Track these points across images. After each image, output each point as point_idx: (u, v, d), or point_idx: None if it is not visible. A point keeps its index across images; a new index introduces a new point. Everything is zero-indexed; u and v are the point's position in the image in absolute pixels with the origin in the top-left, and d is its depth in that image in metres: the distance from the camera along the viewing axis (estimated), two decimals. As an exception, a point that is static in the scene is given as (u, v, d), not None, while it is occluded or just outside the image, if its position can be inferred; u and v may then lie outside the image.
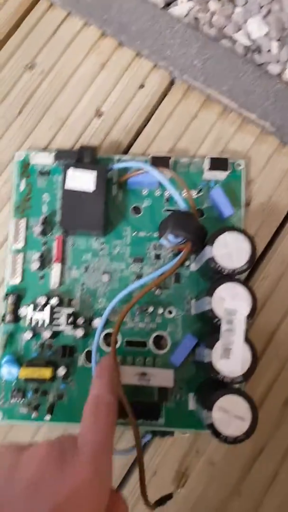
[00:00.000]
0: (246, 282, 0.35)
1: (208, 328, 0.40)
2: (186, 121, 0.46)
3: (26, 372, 0.39)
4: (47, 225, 0.43)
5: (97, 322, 0.40)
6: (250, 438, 0.33)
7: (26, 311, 0.41)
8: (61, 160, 0.42)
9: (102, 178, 0.41)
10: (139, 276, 0.42)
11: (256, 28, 0.50)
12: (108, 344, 0.40)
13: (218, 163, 0.42)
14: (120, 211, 0.43)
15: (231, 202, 0.41)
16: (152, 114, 0.46)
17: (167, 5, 0.51)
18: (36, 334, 0.41)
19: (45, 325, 0.40)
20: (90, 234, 0.42)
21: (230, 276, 0.35)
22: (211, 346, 0.34)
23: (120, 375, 0.37)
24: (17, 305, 0.41)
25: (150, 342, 0.41)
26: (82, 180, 0.41)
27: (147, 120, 0.46)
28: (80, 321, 0.41)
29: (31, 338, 0.40)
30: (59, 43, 0.48)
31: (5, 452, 0.26)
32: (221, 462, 0.40)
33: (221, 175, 0.43)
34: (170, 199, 0.43)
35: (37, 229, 0.42)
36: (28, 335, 0.40)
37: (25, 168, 0.44)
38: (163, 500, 0.36)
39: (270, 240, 0.43)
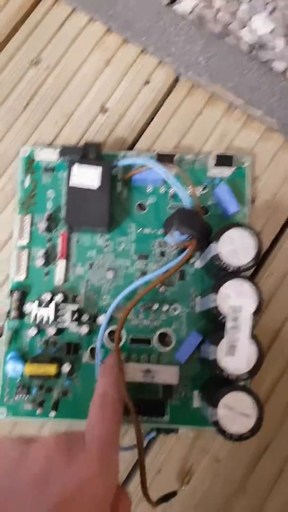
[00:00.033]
0: (251, 279, 0.35)
1: (212, 326, 0.40)
2: (191, 118, 0.46)
3: (31, 369, 0.39)
4: (52, 221, 0.43)
5: (102, 319, 0.40)
6: (255, 435, 0.33)
7: (31, 307, 0.41)
8: (66, 156, 0.42)
9: (107, 174, 0.41)
10: (144, 273, 0.42)
11: (262, 25, 0.50)
12: (113, 341, 0.40)
13: (223, 160, 0.42)
14: (124, 208, 0.43)
15: (236, 199, 0.41)
16: (157, 111, 0.46)
17: (172, 1, 0.51)
18: (40, 330, 0.40)
19: (50, 321, 0.40)
20: (95, 231, 0.42)
21: (236, 273, 0.35)
22: (216, 343, 0.34)
23: (125, 372, 0.37)
24: (22, 301, 0.41)
25: (155, 340, 0.41)
26: (87, 176, 0.40)
27: (152, 116, 0.46)
28: (85, 318, 0.40)
29: (36, 334, 0.40)
30: (64, 38, 0.48)
31: (12, 444, 0.26)
32: (226, 459, 0.40)
33: (226, 172, 0.43)
34: (175, 196, 0.43)
35: (42, 225, 0.42)
36: (32, 331, 0.40)
37: (30, 165, 0.44)
38: (167, 497, 0.36)
39: (275, 238, 0.43)
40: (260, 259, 0.37)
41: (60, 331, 0.41)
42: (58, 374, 0.40)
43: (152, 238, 0.42)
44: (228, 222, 0.36)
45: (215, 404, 0.33)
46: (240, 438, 0.33)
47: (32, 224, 0.43)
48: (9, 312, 0.41)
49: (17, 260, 0.42)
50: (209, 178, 0.43)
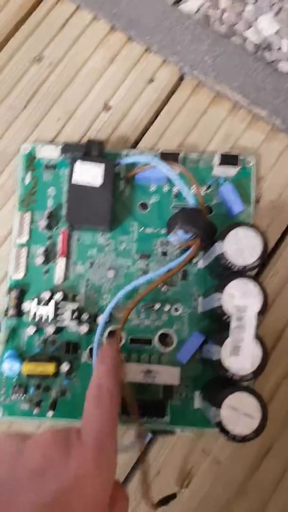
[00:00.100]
0: (256, 279, 0.34)
1: (215, 326, 0.39)
2: (195, 117, 0.45)
3: (29, 368, 0.38)
4: (53, 219, 0.42)
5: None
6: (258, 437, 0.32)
7: (29, 306, 0.40)
8: (68, 153, 0.42)
9: (109, 172, 0.40)
10: (145, 273, 0.41)
11: (267, 25, 0.49)
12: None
13: (228, 159, 0.41)
14: (127, 206, 0.42)
15: (241, 198, 0.41)
16: (161, 109, 0.46)
17: (178, 1, 0.50)
18: (39, 329, 0.40)
19: (49, 320, 0.39)
20: (96, 229, 0.41)
21: (241, 273, 0.35)
22: (220, 343, 0.33)
23: (124, 370, 0.36)
24: (20, 299, 0.40)
25: (156, 340, 0.40)
26: (89, 173, 0.40)
27: (156, 115, 0.46)
28: (85, 317, 0.40)
29: (34, 333, 0.40)
30: (68, 36, 0.47)
31: (9, 440, 0.26)
32: (227, 461, 0.39)
33: (231, 171, 0.42)
34: (178, 195, 0.42)
35: (42, 223, 0.41)
36: (31, 330, 0.39)
37: (31, 162, 0.43)
38: (167, 500, 0.35)
39: (280, 237, 0.43)
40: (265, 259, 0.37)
41: (59, 330, 0.40)
42: (57, 374, 0.39)
43: (154, 238, 0.42)
44: (233, 221, 0.36)
45: (218, 405, 0.33)
46: (244, 439, 0.32)
47: (32, 221, 0.42)
48: (6, 310, 0.40)
49: (16, 258, 0.41)
50: (214, 177, 0.43)
